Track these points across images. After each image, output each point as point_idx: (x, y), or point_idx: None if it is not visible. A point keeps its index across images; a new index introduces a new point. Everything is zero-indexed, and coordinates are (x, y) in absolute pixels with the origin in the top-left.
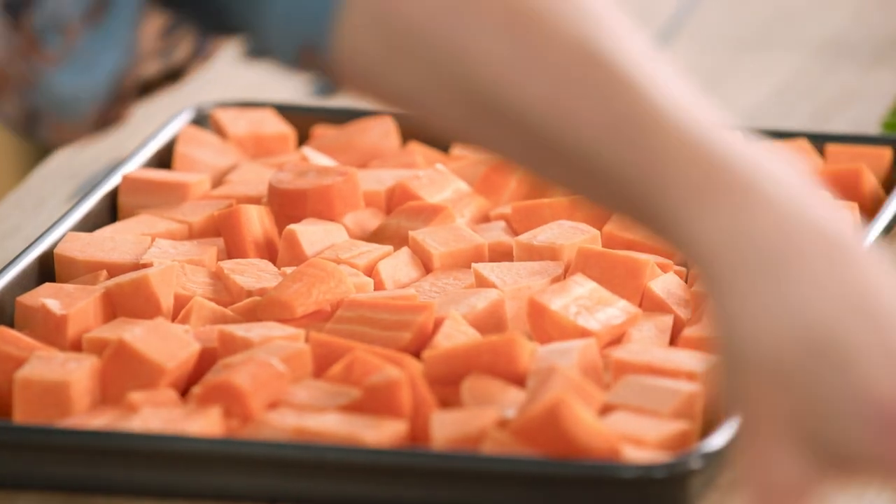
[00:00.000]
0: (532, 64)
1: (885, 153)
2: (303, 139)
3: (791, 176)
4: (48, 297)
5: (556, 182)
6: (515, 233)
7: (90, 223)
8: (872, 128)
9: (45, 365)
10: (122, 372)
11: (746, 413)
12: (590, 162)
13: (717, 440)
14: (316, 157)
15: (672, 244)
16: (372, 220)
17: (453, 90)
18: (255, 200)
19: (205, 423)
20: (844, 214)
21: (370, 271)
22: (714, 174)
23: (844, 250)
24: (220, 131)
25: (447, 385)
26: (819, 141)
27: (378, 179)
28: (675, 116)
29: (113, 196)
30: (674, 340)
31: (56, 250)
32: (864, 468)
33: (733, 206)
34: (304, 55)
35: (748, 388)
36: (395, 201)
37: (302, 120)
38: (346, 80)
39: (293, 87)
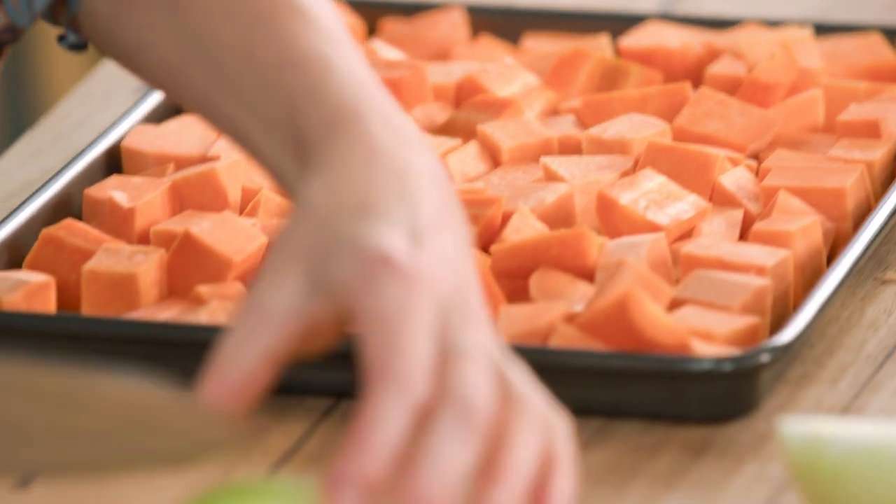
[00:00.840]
0: (231, 17)
1: None
2: (371, 32)
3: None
4: (115, 190)
5: (230, 127)
6: (585, 126)
7: (158, 115)
8: None
9: (112, 258)
10: (190, 265)
11: (278, 241)
12: (262, 101)
13: (787, 335)
14: (384, 49)
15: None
16: (440, 113)
17: (174, 38)
18: None
19: None
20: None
21: None
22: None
23: (411, 167)
24: None
25: (515, 279)
26: (892, 35)
27: (447, 72)
28: (340, 75)
29: None
30: (744, 235)
31: (123, 143)
32: (338, 297)
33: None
34: (55, 11)
35: (298, 222)
36: (464, 94)
37: (370, 13)
38: (88, 35)
39: None
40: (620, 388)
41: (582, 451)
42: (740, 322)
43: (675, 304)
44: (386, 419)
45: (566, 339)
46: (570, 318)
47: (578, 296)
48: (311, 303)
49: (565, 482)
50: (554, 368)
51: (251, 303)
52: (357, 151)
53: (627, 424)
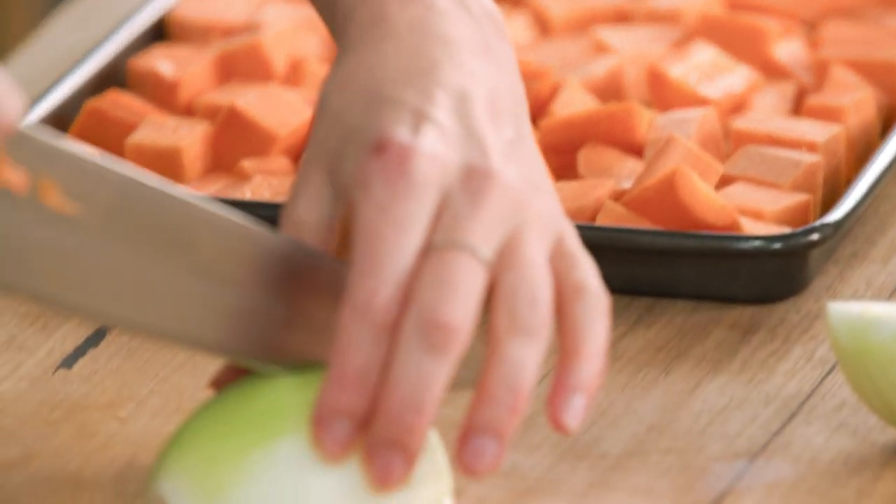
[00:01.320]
0: None
1: None
2: None
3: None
4: (160, 60)
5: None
6: None
7: None
8: None
9: (157, 131)
10: (234, 138)
11: (307, 146)
12: None
13: (838, 212)
14: None
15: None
16: None
17: None
18: None
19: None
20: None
21: None
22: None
23: (442, 39)
24: None
25: (563, 154)
26: None
27: None
28: None
29: None
30: (797, 109)
31: (169, 12)
32: (349, 194)
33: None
34: None
35: (318, 126)
36: None
37: None
38: None
39: None
40: (668, 267)
41: (628, 333)
42: (790, 199)
43: (724, 181)
44: (351, 346)
45: (614, 216)
46: (618, 196)
47: (627, 172)
48: (337, 209)
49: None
50: (601, 247)
51: (286, 217)
52: (369, 36)
53: (675, 304)
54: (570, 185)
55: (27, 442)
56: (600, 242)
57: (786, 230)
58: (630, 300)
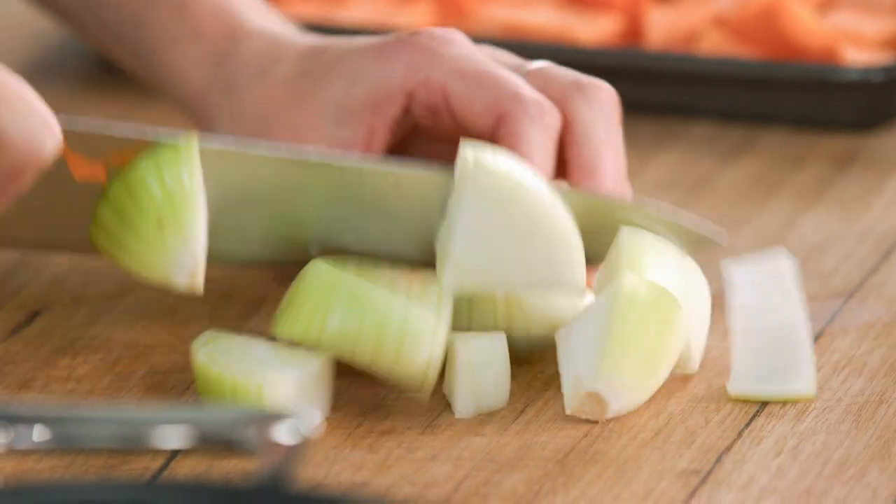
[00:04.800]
0: None
1: None
2: None
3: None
4: None
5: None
6: None
7: None
8: None
9: None
10: None
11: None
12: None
13: None
14: None
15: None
16: None
17: None
18: None
19: (415, 15)
20: None
21: None
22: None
23: None
24: None
25: None
26: None
27: None
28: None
29: None
30: None
31: None
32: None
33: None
34: None
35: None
36: None
37: None
38: None
39: None
40: (768, 97)
41: (724, 163)
42: (893, 24)
43: (826, 5)
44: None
45: (714, 44)
46: (718, 22)
47: None
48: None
49: None
50: (701, 76)
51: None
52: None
53: (771, 133)
54: (670, 12)
55: (124, 275)
56: (700, 72)
57: (886, 60)
58: (728, 128)
